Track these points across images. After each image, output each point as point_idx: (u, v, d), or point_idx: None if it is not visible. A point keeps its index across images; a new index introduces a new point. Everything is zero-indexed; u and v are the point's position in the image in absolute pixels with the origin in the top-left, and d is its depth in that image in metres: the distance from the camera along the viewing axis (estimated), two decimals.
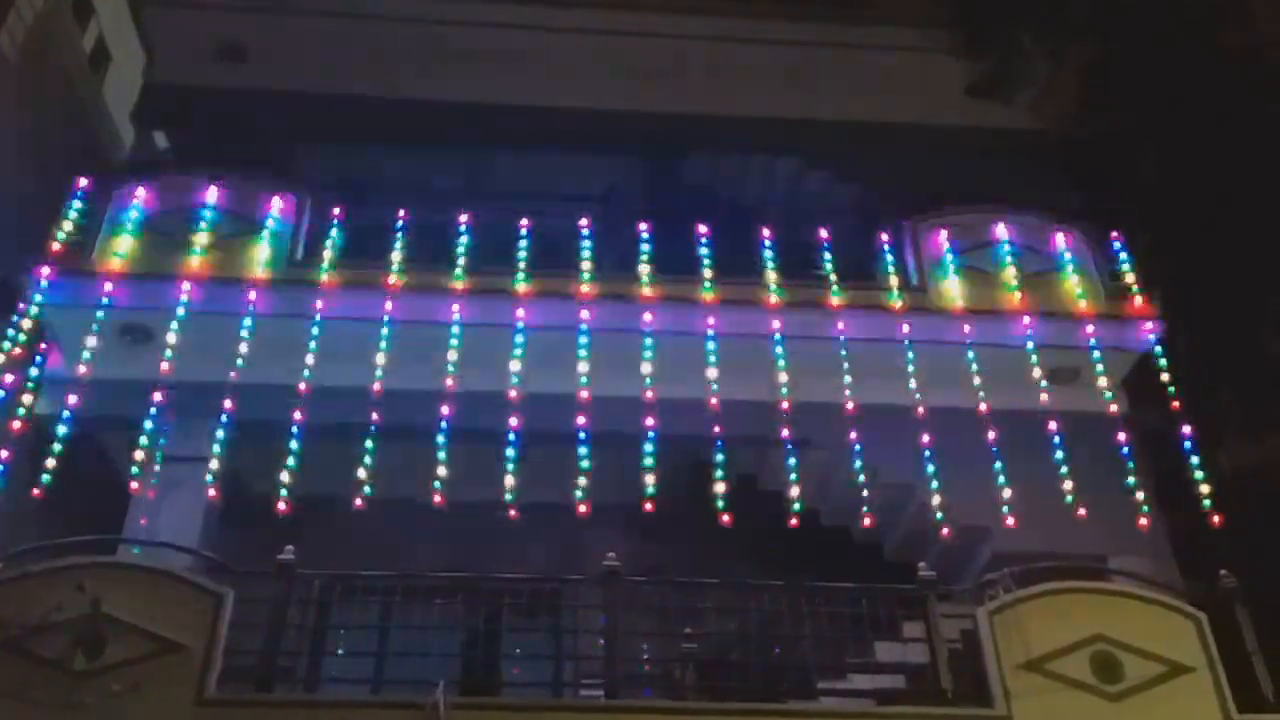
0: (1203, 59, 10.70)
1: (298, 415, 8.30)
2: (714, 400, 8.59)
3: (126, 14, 11.68)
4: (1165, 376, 9.02)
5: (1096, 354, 9.17)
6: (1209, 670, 7.04)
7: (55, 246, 8.81)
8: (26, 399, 8.45)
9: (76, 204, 9.09)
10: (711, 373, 8.75)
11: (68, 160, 9.50)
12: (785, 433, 8.61)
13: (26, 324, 8.58)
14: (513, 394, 8.54)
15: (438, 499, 8.13)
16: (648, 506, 8.18)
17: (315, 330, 8.72)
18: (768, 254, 9.54)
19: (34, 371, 8.71)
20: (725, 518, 8.20)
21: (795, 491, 8.50)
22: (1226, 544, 8.27)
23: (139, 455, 8.29)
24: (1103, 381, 9.08)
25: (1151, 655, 7.05)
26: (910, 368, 8.96)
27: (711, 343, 8.92)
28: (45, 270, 8.65)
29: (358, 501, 8.07)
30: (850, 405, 8.78)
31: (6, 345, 8.51)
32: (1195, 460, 8.65)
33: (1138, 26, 11.01)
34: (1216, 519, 8.38)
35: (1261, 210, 10.47)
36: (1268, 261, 10.38)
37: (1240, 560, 7.60)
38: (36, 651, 6.56)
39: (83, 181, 9.22)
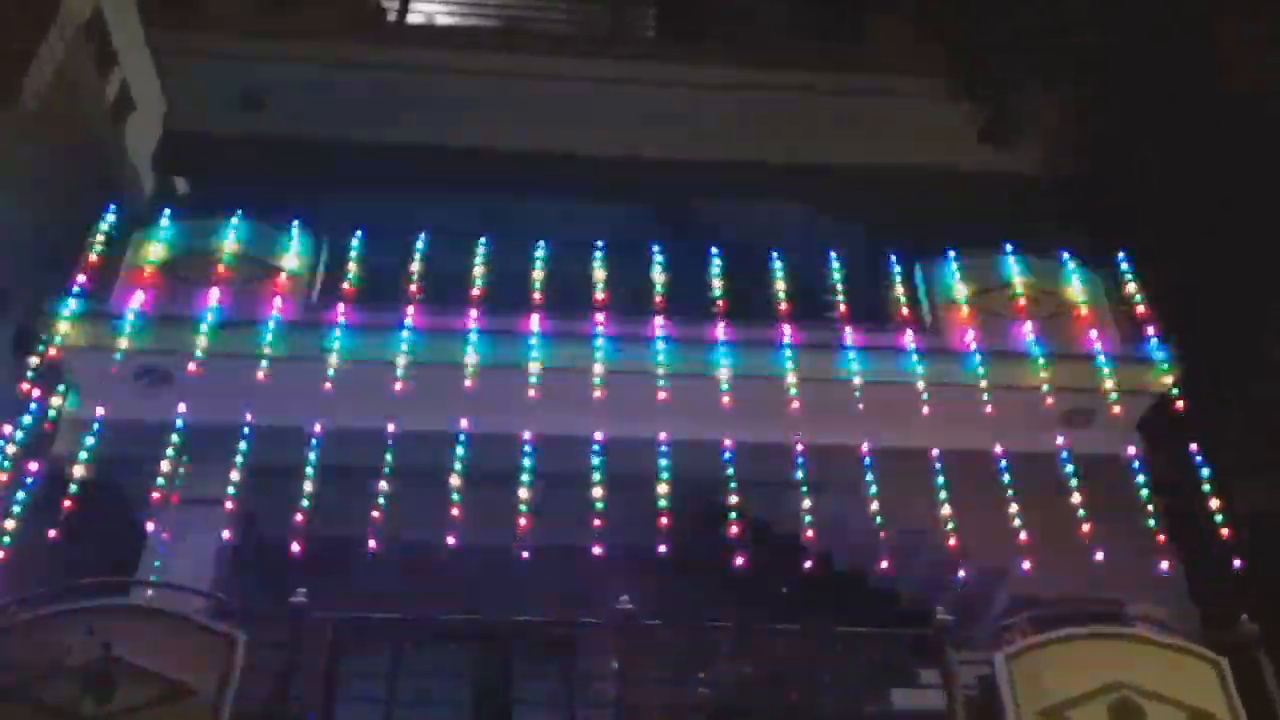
0: (1206, 96, 10.76)
1: (312, 457, 8.32)
2: (727, 442, 8.58)
3: (149, 63, 11.87)
4: (1181, 419, 8.98)
5: (1112, 395, 9.14)
6: (1231, 716, 6.92)
7: (74, 289, 8.92)
8: (43, 441, 8.51)
9: (96, 248, 9.20)
10: (725, 415, 8.75)
11: (88, 205, 9.62)
12: (799, 475, 8.58)
13: (44, 366, 8.65)
14: (526, 435, 8.55)
15: (451, 541, 8.11)
16: (661, 549, 8.15)
17: (331, 372, 8.77)
18: (779, 297, 9.58)
19: (51, 414, 8.77)
20: (739, 561, 8.16)
21: (809, 535, 8.46)
22: (1245, 588, 8.18)
23: (154, 497, 8.32)
24: (1118, 423, 9.04)
25: (1172, 701, 6.93)
26: (924, 410, 8.94)
27: (724, 385, 8.93)
28: (64, 313, 8.74)
29: (371, 544, 8.06)
30: (864, 448, 8.76)
31: (24, 388, 8.58)
32: (1214, 504, 8.57)
33: (1137, 65, 11.10)
34: (1236, 562, 8.30)
35: (1275, 249, 10.46)
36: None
37: (1260, 604, 7.51)
38: (46, 697, 6.51)
39: (103, 226, 9.36)
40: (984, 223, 10.42)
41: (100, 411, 8.46)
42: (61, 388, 8.91)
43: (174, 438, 8.39)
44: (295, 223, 9.63)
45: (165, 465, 8.38)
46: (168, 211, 9.70)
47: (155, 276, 9.14)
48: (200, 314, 8.89)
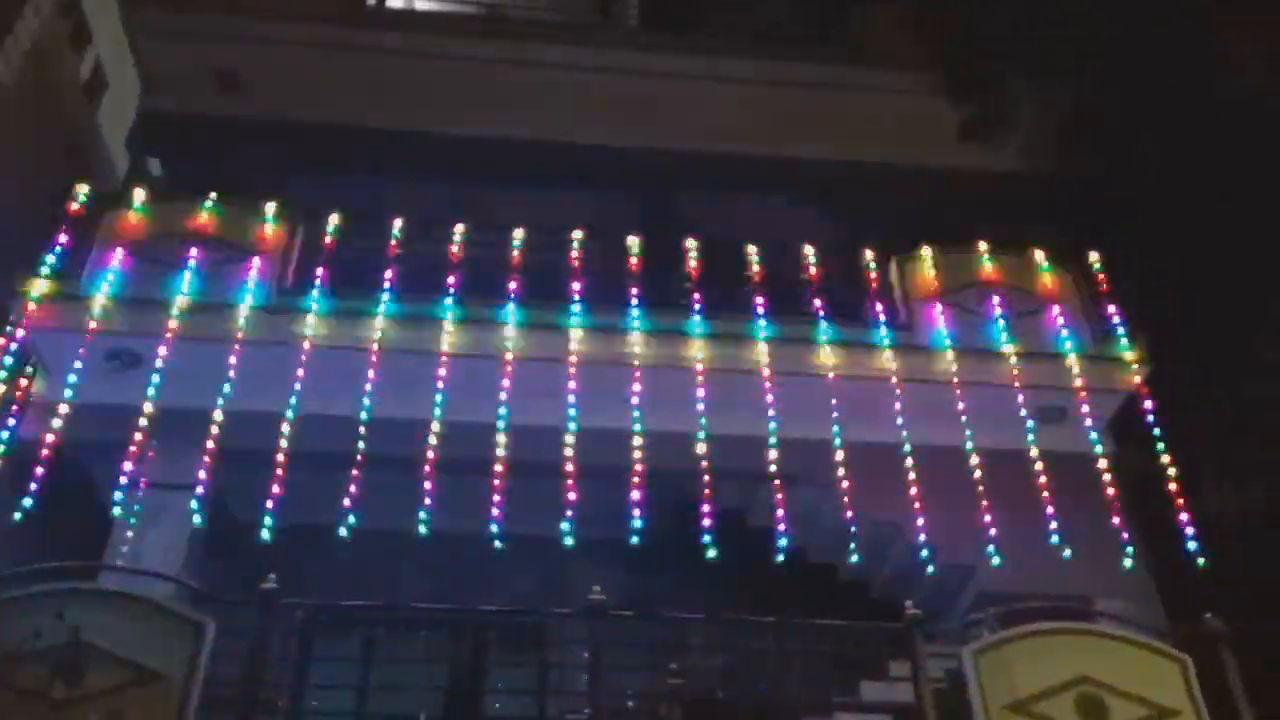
0: (1191, 100, 10.85)
1: (284, 443, 8.27)
2: (701, 435, 8.61)
3: (124, 42, 11.75)
4: (1150, 419, 9.08)
5: (1083, 394, 9.22)
6: (1194, 714, 7.01)
7: (44, 270, 8.81)
8: (9, 423, 8.41)
9: (67, 228, 9.09)
10: (699, 407, 8.78)
11: (59, 184, 9.50)
12: (773, 468, 8.62)
13: (12, 347, 8.55)
14: (499, 425, 8.54)
15: (423, 530, 8.09)
16: (634, 540, 8.17)
17: (304, 358, 8.71)
18: (755, 290, 9.59)
19: (18, 395, 8.67)
20: (711, 553, 8.19)
21: (782, 528, 8.50)
22: (1211, 587, 8.28)
23: (124, 481, 8.25)
24: (1089, 422, 9.13)
25: (1136, 698, 7.02)
26: (897, 406, 9.00)
27: (699, 377, 8.95)
28: (34, 293, 8.63)
29: (342, 531, 8.03)
30: (837, 442, 8.81)
31: None
32: (1181, 503, 8.68)
33: (1125, 68, 11.17)
34: (1201, 561, 8.41)
35: (1248, 254, 10.58)
36: (1253, 306, 10.48)
37: (1225, 603, 7.61)
38: (14, 680, 6.46)
39: (74, 206, 9.24)
40: (959, 219, 10.48)
41: (69, 394, 8.36)
42: (30, 369, 8.81)
43: (143, 421, 8.30)
44: (270, 206, 9.55)
45: (135, 449, 8.30)
46: (141, 192, 9.59)
47: (127, 258, 9.04)
48: (172, 296, 8.81)
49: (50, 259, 8.90)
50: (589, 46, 12.16)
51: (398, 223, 9.66)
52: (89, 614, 6.70)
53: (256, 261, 9.20)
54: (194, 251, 9.10)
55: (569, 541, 8.12)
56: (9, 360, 8.57)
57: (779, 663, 7.48)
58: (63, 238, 9.04)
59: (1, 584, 7.01)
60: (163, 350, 8.55)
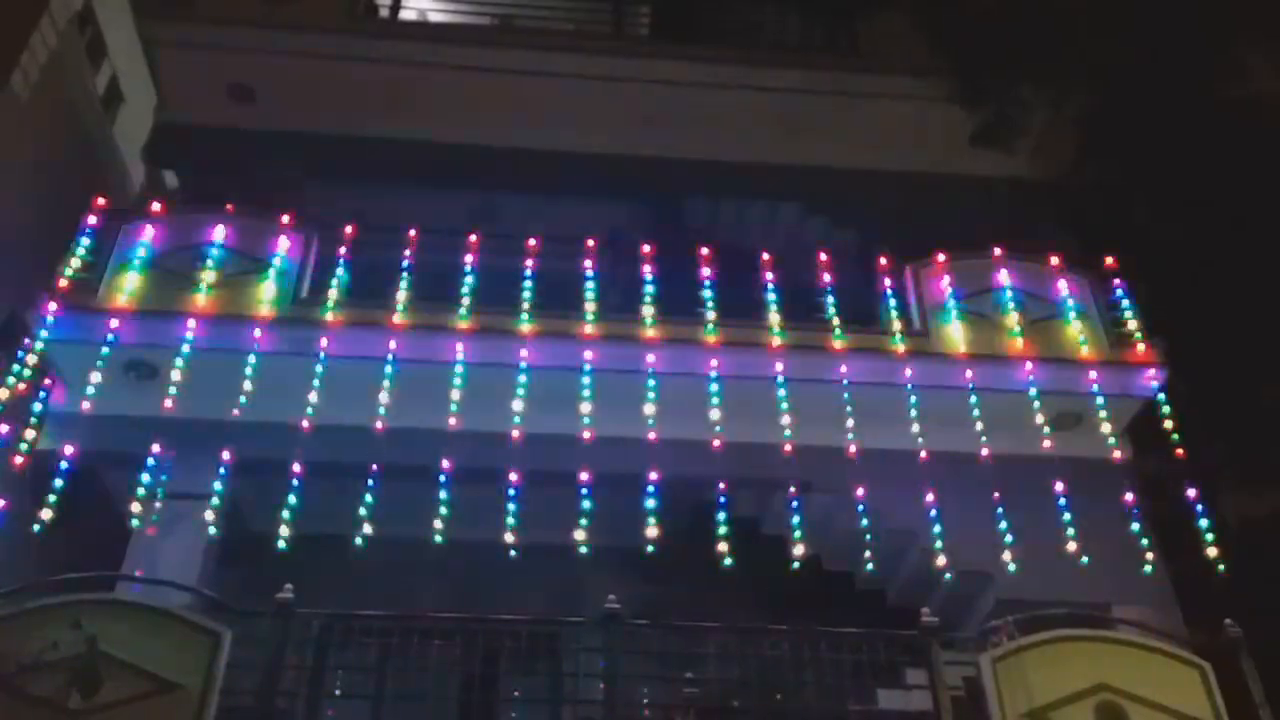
0: (1204, 105, 10.79)
1: (300, 453, 8.30)
2: (716, 443, 8.59)
3: (139, 54, 11.84)
4: (1168, 424, 9.02)
5: (1099, 400, 9.17)
6: None
7: (62, 282, 8.85)
8: (29, 434, 8.46)
9: (84, 240, 9.14)
10: (714, 415, 8.77)
11: (76, 197, 9.57)
12: (788, 476, 8.59)
13: (31, 359, 8.61)
14: (515, 434, 8.55)
15: (438, 539, 8.10)
16: (649, 549, 8.16)
17: (319, 368, 8.74)
18: (770, 297, 9.59)
19: (37, 407, 8.72)
20: (727, 561, 8.17)
21: (797, 536, 8.47)
22: (1230, 594, 8.22)
23: (140, 492, 8.29)
24: (1106, 428, 9.08)
25: (1156, 705, 6.98)
26: (913, 412, 8.97)
27: (714, 385, 8.94)
28: (51, 305, 8.68)
29: (358, 540, 8.04)
30: (853, 450, 8.78)
31: (11, 380, 8.54)
32: (1199, 509, 8.62)
33: (1137, 76, 11.12)
34: (1221, 568, 8.35)
35: (1265, 258, 10.51)
36: (1270, 310, 10.41)
37: (1244, 610, 7.55)
38: (31, 690, 6.49)
39: (91, 218, 9.29)
40: (975, 226, 10.44)
41: (86, 405, 8.41)
42: (48, 381, 8.86)
43: (160, 432, 8.34)
44: (284, 217, 9.59)
45: (151, 460, 8.33)
46: (156, 205, 9.65)
47: (143, 271, 9.09)
48: (188, 308, 8.85)
49: (67, 270, 8.95)
50: (600, 56, 12.18)
51: (411, 232, 9.68)
52: (106, 624, 6.73)
53: (272, 272, 9.24)
54: (210, 263, 9.14)
55: (584, 550, 8.11)
56: (27, 372, 8.61)
57: (795, 671, 7.44)
58: (80, 249, 9.10)
59: (19, 595, 7.05)
60: (179, 361, 8.58)
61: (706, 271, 9.62)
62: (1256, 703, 7.09)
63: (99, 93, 11.52)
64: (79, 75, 11.02)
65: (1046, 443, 8.87)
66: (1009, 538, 8.46)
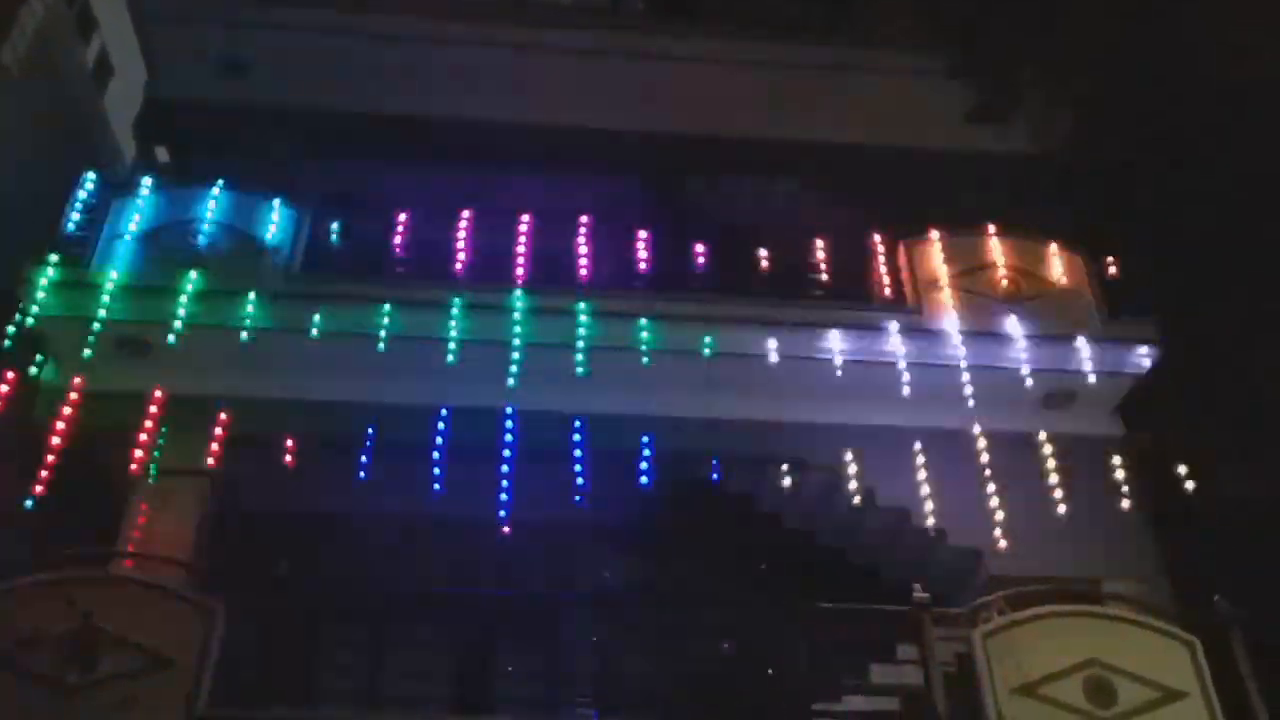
0: (1203, 84, 10.76)
1: (293, 429, 8.29)
2: (711, 419, 8.60)
3: (129, 29, 11.71)
4: (1160, 401, 9.05)
5: (1092, 377, 9.19)
6: (1202, 696, 7.02)
7: (53, 257, 8.83)
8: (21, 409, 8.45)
9: (75, 215, 9.11)
10: (707, 391, 8.77)
11: (67, 172, 9.51)
12: (782, 452, 8.62)
13: (23, 334, 8.58)
14: (509, 409, 8.55)
15: (433, 515, 8.12)
16: (643, 525, 8.19)
17: (312, 343, 8.71)
18: (764, 273, 9.57)
19: (30, 382, 8.70)
20: (721, 537, 8.21)
21: (791, 512, 8.50)
22: (1221, 570, 8.27)
23: (133, 468, 8.28)
24: (1098, 405, 9.10)
25: (1145, 680, 7.03)
26: (905, 389, 8.98)
27: (709, 361, 8.94)
28: (43, 281, 8.65)
29: (351, 516, 8.06)
30: (846, 426, 8.79)
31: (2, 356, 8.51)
32: (1191, 486, 8.66)
33: (1138, 55, 11.08)
34: (1211, 544, 8.40)
35: (1259, 237, 10.51)
36: (1264, 290, 10.42)
37: (1235, 586, 7.60)
38: (28, 666, 6.51)
39: (82, 194, 9.25)
40: (968, 202, 10.43)
41: (79, 381, 8.39)
42: (40, 356, 8.83)
43: (153, 408, 8.32)
44: (277, 192, 9.53)
45: (145, 435, 8.32)
46: (148, 180, 9.59)
47: (135, 245, 9.05)
48: (181, 284, 8.82)
49: (59, 246, 8.90)
50: (597, 31, 12.10)
51: (405, 209, 9.64)
52: (101, 600, 6.73)
53: (264, 248, 9.19)
54: (201, 238, 9.10)
55: (578, 525, 8.14)
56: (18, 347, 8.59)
57: (788, 646, 7.48)
58: (71, 225, 9.05)
59: (13, 570, 7.05)
60: (171, 337, 8.56)
61: (701, 247, 9.59)
62: (1245, 678, 7.14)
63: (89, 68, 11.41)
64: (69, 50, 10.91)
65: (1039, 419, 8.89)
66: (1001, 514, 8.49)
